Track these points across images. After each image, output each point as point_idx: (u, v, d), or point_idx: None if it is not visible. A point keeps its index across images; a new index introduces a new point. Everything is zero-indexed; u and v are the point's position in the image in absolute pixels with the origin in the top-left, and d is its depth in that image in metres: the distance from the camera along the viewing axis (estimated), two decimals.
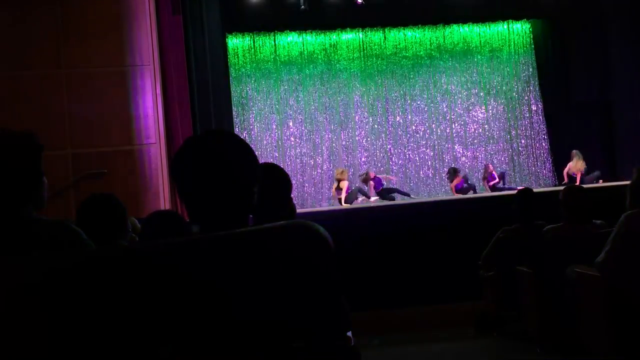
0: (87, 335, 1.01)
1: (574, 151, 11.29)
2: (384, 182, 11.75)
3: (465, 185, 11.68)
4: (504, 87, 13.47)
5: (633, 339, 3.44)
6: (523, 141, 13.37)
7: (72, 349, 1.01)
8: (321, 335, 1.09)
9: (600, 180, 10.73)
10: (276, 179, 2.26)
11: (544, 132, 13.11)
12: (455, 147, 13.23)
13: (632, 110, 10.93)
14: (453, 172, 11.88)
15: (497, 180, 11.87)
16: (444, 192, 12.83)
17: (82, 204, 2.58)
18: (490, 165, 12.26)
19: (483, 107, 13.41)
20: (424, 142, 13.17)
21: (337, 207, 10.54)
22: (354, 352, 1.98)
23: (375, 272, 6.53)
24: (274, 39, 12.74)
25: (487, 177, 11.99)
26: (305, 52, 12.89)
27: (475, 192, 11.62)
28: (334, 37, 12.97)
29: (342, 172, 11.03)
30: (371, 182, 11.45)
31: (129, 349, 1.02)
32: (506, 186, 11.72)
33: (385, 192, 11.36)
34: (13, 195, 1.73)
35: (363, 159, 12.89)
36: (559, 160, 12.39)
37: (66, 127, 7.75)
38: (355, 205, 10.22)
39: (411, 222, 7.06)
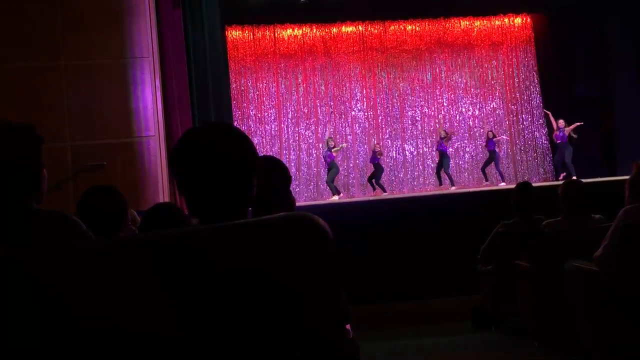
0: (84, 329, 1.01)
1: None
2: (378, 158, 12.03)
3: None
4: (504, 81, 13.46)
5: (630, 333, 3.45)
6: (523, 135, 13.36)
7: (70, 343, 1.01)
8: (320, 327, 1.09)
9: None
10: (275, 172, 2.25)
11: (544, 127, 13.11)
12: (455, 140, 13.22)
13: (632, 106, 10.93)
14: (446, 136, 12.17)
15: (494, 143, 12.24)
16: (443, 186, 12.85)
17: (83, 194, 2.57)
18: (491, 133, 12.43)
19: (483, 101, 13.40)
20: (423, 136, 13.17)
21: (336, 200, 10.55)
22: (353, 345, 1.99)
23: (373, 266, 6.54)
24: (274, 31, 12.71)
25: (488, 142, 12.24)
26: (305, 45, 12.86)
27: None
28: (334, 30, 12.95)
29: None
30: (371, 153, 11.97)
31: (126, 345, 1.02)
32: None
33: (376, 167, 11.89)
34: (13, 187, 1.73)
35: (362, 152, 12.89)
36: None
37: (65, 120, 7.74)
38: (354, 199, 10.23)
39: (409, 216, 7.07)
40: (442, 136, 12.07)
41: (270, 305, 1.05)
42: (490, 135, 12.26)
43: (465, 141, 13.28)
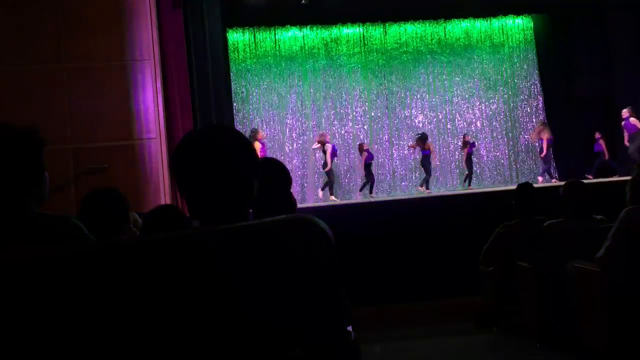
0: (85, 332, 1.01)
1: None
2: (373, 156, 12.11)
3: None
4: (504, 82, 13.46)
5: (632, 334, 3.45)
6: (524, 136, 13.36)
7: (74, 345, 1.01)
8: (321, 329, 1.09)
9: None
10: (276, 174, 2.26)
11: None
12: (456, 141, 13.22)
13: (633, 105, 10.92)
14: (424, 138, 12.17)
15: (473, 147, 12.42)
16: (445, 186, 12.86)
17: (85, 197, 2.57)
18: (467, 136, 12.62)
19: (484, 102, 13.40)
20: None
21: (337, 202, 10.55)
22: (354, 347, 1.99)
23: (375, 267, 6.53)
24: (275, 33, 12.72)
25: (467, 147, 12.39)
26: (306, 47, 12.87)
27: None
28: (335, 31, 12.95)
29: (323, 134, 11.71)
30: (364, 153, 11.93)
31: (127, 346, 1.02)
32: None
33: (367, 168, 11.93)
34: (15, 191, 1.73)
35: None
36: (560, 155, 12.39)
37: (67, 122, 7.74)
38: (355, 200, 10.23)
39: (411, 217, 7.06)
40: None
41: (271, 306, 1.05)
42: (468, 139, 12.40)
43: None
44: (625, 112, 11.09)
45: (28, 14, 7.73)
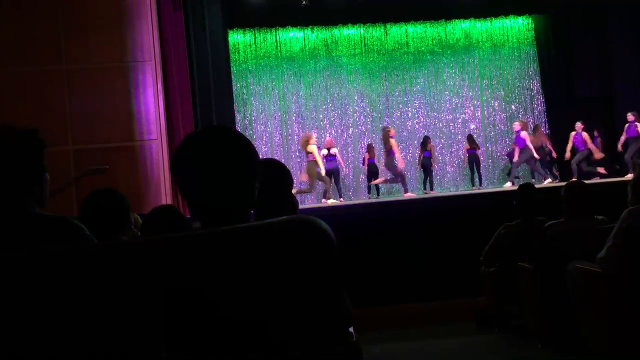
0: (86, 332, 1.01)
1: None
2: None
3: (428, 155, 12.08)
4: (505, 83, 13.45)
5: (632, 334, 3.44)
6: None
7: (68, 346, 1.01)
8: (322, 330, 1.09)
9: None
10: (277, 175, 2.25)
11: (546, 128, 13.10)
12: (457, 142, 13.22)
13: (633, 106, 10.92)
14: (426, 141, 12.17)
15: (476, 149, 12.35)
16: (445, 187, 12.85)
17: (86, 197, 2.57)
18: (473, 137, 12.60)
19: (484, 102, 13.40)
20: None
21: (338, 203, 10.53)
22: (356, 348, 1.98)
23: (377, 268, 6.53)
24: (275, 34, 12.72)
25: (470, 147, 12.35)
26: (307, 48, 12.87)
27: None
28: (336, 32, 12.96)
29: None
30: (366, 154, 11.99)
31: (127, 347, 1.02)
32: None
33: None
34: (16, 191, 1.74)
35: (363, 154, 12.88)
36: (561, 155, 12.37)
37: (67, 123, 7.76)
38: (356, 201, 10.21)
39: (412, 219, 7.06)
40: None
41: (272, 307, 1.05)
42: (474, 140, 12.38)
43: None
44: (516, 125, 10.95)
45: (29, 15, 7.74)
